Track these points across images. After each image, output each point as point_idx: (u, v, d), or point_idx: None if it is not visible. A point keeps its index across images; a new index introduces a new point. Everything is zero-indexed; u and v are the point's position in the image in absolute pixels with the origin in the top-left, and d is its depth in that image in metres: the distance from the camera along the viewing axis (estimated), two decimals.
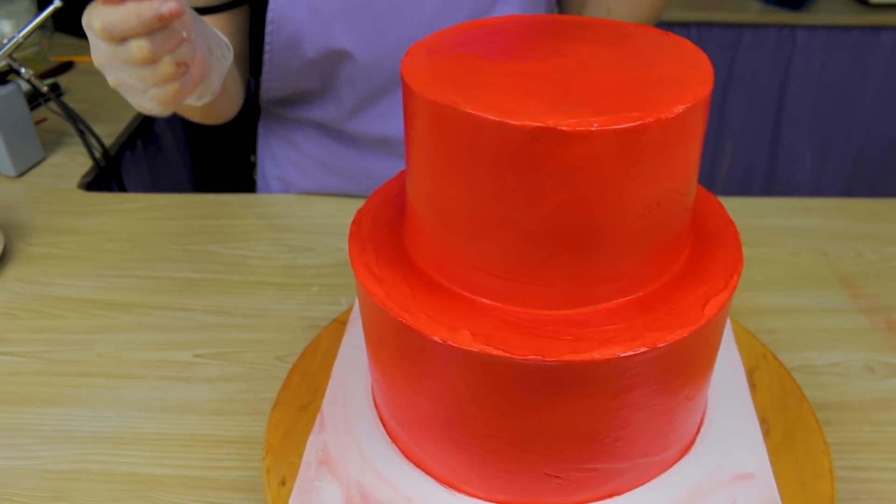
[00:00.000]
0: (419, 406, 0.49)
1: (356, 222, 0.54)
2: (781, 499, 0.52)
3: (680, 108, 0.40)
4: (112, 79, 0.56)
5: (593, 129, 0.38)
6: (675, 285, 0.47)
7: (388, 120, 0.89)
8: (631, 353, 0.42)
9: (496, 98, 0.40)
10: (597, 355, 0.42)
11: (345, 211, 0.93)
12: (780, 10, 1.77)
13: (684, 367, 0.46)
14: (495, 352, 0.42)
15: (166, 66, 0.53)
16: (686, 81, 0.43)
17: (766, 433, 0.58)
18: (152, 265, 0.84)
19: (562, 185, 0.40)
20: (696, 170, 0.46)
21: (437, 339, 0.43)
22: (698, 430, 0.56)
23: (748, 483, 0.52)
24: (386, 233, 0.52)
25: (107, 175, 1.07)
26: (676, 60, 0.45)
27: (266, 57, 0.86)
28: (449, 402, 0.46)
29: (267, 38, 0.84)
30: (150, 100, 0.56)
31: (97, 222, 0.92)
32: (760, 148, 1.87)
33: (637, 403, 0.45)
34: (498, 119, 0.39)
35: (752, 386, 0.62)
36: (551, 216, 0.41)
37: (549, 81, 0.42)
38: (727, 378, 0.60)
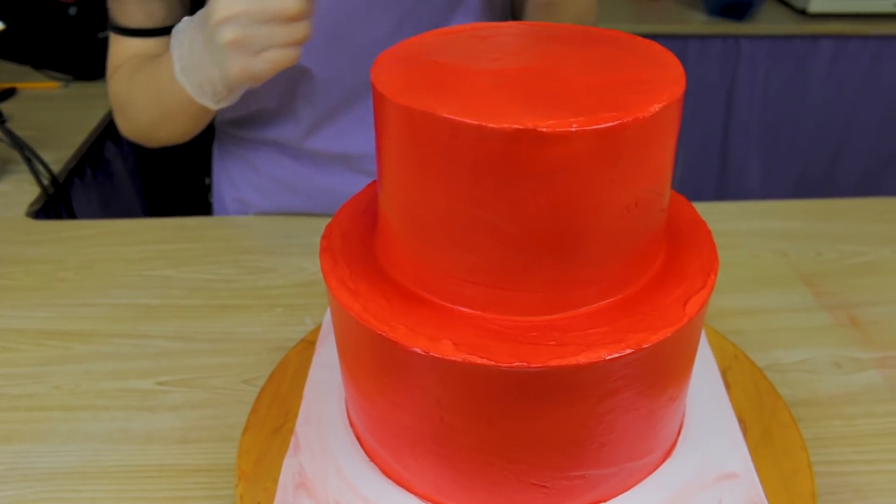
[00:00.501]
0: (400, 421, 0.48)
1: (326, 237, 0.52)
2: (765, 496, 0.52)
3: (656, 108, 0.40)
4: (233, 33, 0.58)
5: (573, 129, 0.38)
6: (655, 286, 0.47)
7: (347, 136, 0.88)
8: (616, 354, 0.42)
9: (473, 102, 0.39)
10: (582, 359, 0.41)
11: (305, 230, 0.91)
12: (724, 20, 1.82)
13: (668, 367, 0.46)
14: (479, 360, 0.41)
15: (304, 28, 0.55)
16: (659, 82, 0.43)
17: (745, 432, 0.58)
18: (108, 292, 0.81)
19: (542, 187, 0.40)
20: (671, 170, 0.46)
21: (418, 350, 0.42)
22: (679, 433, 0.56)
23: (732, 482, 0.52)
24: (358, 246, 0.51)
25: (56, 203, 1.03)
26: (647, 62, 0.45)
27: None
28: (431, 415, 0.45)
29: None
30: (263, 61, 0.58)
31: (48, 251, 0.89)
32: (710, 156, 1.91)
33: (622, 406, 0.45)
34: (476, 122, 0.38)
35: (727, 386, 0.62)
36: (532, 220, 0.41)
37: (524, 84, 0.42)
38: (703, 379, 0.60)
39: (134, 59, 0.80)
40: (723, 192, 1.98)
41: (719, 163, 1.91)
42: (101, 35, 1.36)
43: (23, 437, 0.64)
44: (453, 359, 0.42)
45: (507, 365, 0.41)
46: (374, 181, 0.59)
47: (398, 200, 0.45)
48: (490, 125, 0.38)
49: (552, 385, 0.42)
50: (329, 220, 0.90)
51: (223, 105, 0.71)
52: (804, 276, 0.85)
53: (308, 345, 0.69)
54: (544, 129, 0.37)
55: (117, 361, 0.72)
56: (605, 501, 0.51)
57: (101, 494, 0.60)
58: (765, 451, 0.57)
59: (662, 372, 0.46)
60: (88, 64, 1.38)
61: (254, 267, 0.85)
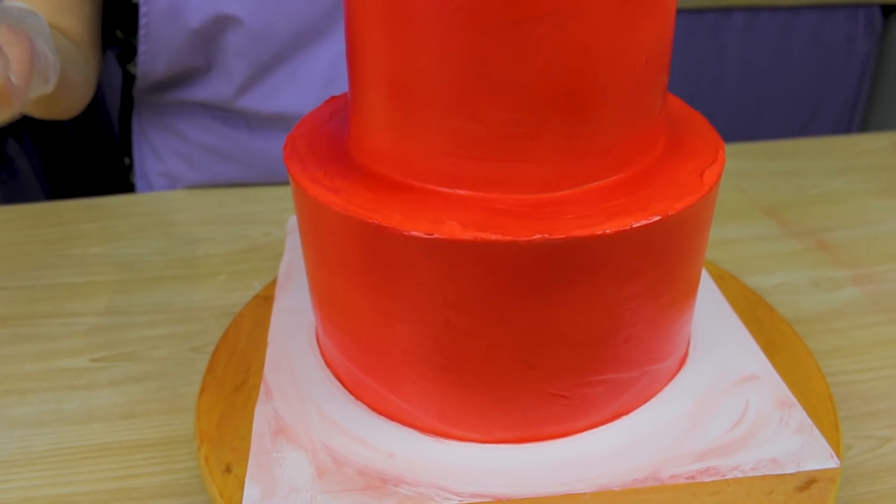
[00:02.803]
0: (397, 336, 0.41)
1: (289, 146, 0.46)
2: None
3: None
4: None
5: None
6: (664, 162, 0.43)
7: (283, 94, 0.82)
8: (644, 222, 0.37)
9: None
10: (608, 228, 0.36)
11: (242, 199, 0.84)
12: None
13: (689, 245, 0.41)
14: (493, 237, 0.36)
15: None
16: None
17: None
18: (25, 275, 0.72)
19: (552, 31, 0.35)
20: (672, 31, 0.42)
21: (418, 234, 0.36)
22: (688, 344, 0.52)
23: (755, 383, 0.48)
24: (328, 149, 0.45)
25: None
26: None
27: (142, 32, 0.76)
28: (436, 320, 0.39)
29: (142, 10, 0.74)
30: None
31: None
32: None
33: (646, 291, 0.40)
34: None
35: None
36: (541, 73, 0.36)
37: None
38: (703, 292, 0.56)
39: None
40: None
41: None
42: None
43: None
44: (462, 238, 0.36)
45: (525, 239, 0.36)
46: (333, 97, 0.53)
47: (383, 71, 0.39)
48: None
49: (576, 262, 0.37)
50: (270, 188, 0.83)
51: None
52: (765, 208, 0.84)
53: (262, 300, 0.61)
54: None
55: (42, 342, 0.63)
56: (626, 414, 0.46)
57: (34, 482, 0.51)
58: (773, 361, 0.53)
59: (684, 250, 0.41)
60: None
61: (188, 238, 0.77)
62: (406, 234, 0.37)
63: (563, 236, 0.36)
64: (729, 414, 0.46)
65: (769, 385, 0.48)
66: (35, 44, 0.50)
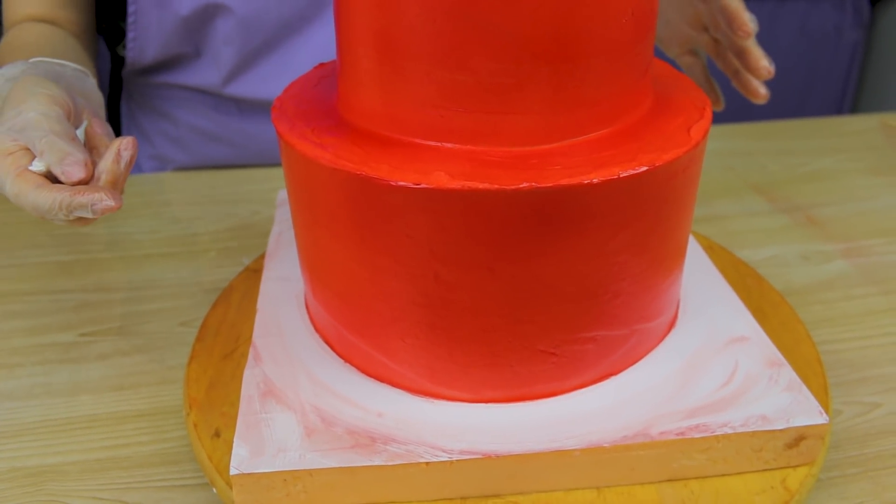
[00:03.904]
0: (386, 293, 0.41)
1: (277, 107, 0.46)
2: None
3: None
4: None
5: None
6: (652, 118, 0.43)
7: (272, 81, 0.81)
8: (632, 172, 0.37)
9: None
10: (596, 178, 0.36)
11: (232, 180, 0.84)
12: None
13: (676, 199, 0.41)
14: (481, 186, 0.36)
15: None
16: None
17: None
18: (13, 254, 0.71)
19: None
20: None
21: (406, 184, 0.36)
22: (677, 308, 0.52)
23: (744, 344, 0.48)
24: (316, 108, 0.45)
25: None
26: None
27: (131, 20, 0.76)
28: (424, 273, 0.39)
29: None
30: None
31: None
32: None
33: (634, 245, 0.40)
34: None
35: None
36: (528, 22, 0.36)
37: None
38: (691, 257, 0.56)
39: (19, 29, 0.70)
40: None
41: None
42: None
43: None
44: (450, 187, 0.36)
45: (513, 187, 0.36)
46: (322, 63, 0.53)
47: (370, 25, 0.39)
48: None
49: (563, 211, 0.37)
50: (260, 169, 0.83)
51: None
52: (754, 185, 0.84)
53: (251, 273, 0.61)
54: None
55: (31, 318, 0.63)
56: (615, 374, 0.46)
57: (22, 452, 0.51)
58: (762, 326, 0.53)
59: (672, 204, 0.41)
60: None
61: (178, 217, 0.77)
62: (394, 184, 0.37)
63: (550, 185, 0.36)
64: (719, 373, 0.46)
65: (759, 346, 0.48)
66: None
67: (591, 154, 0.38)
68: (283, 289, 0.54)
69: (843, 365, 0.58)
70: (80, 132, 0.48)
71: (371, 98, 0.41)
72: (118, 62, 0.85)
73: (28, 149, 0.44)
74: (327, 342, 0.49)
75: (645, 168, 0.37)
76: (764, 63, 0.59)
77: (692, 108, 0.44)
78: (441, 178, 0.36)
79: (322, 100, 0.46)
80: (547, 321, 0.41)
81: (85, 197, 0.41)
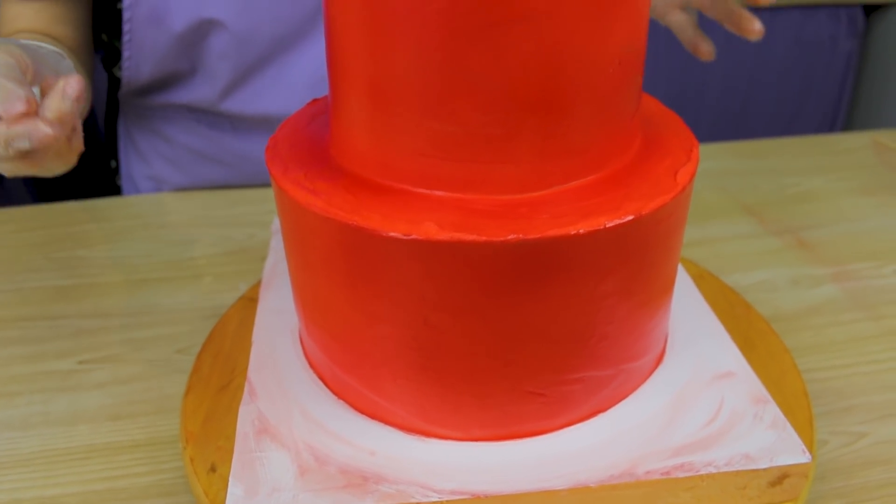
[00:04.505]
0: (377, 336, 0.42)
1: (271, 148, 0.47)
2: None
3: None
4: None
5: None
6: (639, 162, 0.43)
7: (267, 96, 0.82)
8: (617, 221, 0.38)
9: None
10: (582, 228, 0.37)
11: (227, 202, 0.85)
12: None
13: (663, 244, 0.42)
14: (469, 237, 0.36)
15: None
16: None
17: None
18: (11, 278, 0.72)
19: (527, 34, 0.35)
20: (646, 33, 0.42)
21: (397, 235, 0.37)
22: (665, 342, 0.52)
23: (731, 380, 0.49)
24: (309, 151, 0.45)
25: None
26: None
27: (125, 38, 0.77)
28: (415, 319, 0.40)
29: (125, 15, 0.75)
30: None
31: None
32: None
33: (621, 291, 0.41)
34: None
35: None
36: (517, 75, 0.37)
37: None
38: (680, 290, 0.57)
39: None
40: None
41: None
42: None
43: None
44: (439, 238, 0.37)
45: (500, 239, 0.36)
46: (315, 100, 0.53)
47: (362, 73, 0.40)
48: None
49: (550, 261, 0.38)
50: (254, 190, 0.84)
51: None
52: (746, 206, 0.85)
53: (248, 301, 0.62)
54: None
55: (29, 345, 0.64)
56: (603, 412, 0.46)
57: (22, 484, 0.51)
58: (749, 357, 0.54)
59: (658, 248, 0.42)
60: None
61: (173, 240, 0.78)
62: (385, 235, 0.37)
63: (537, 236, 0.36)
64: (704, 410, 0.46)
65: (744, 382, 0.49)
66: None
67: (579, 202, 0.39)
68: (278, 321, 0.55)
69: (830, 393, 0.59)
70: (36, 91, 0.48)
71: (363, 144, 0.41)
72: (115, 84, 0.86)
73: None
74: (321, 378, 0.49)
75: (631, 217, 0.38)
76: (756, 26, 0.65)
77: (679, 151, 0.45)
78: (431, 230, 0.37)
79: (315, 140, 0.46)
80: (535, 364, 0.42)
81: (21, 126, 0.41)
